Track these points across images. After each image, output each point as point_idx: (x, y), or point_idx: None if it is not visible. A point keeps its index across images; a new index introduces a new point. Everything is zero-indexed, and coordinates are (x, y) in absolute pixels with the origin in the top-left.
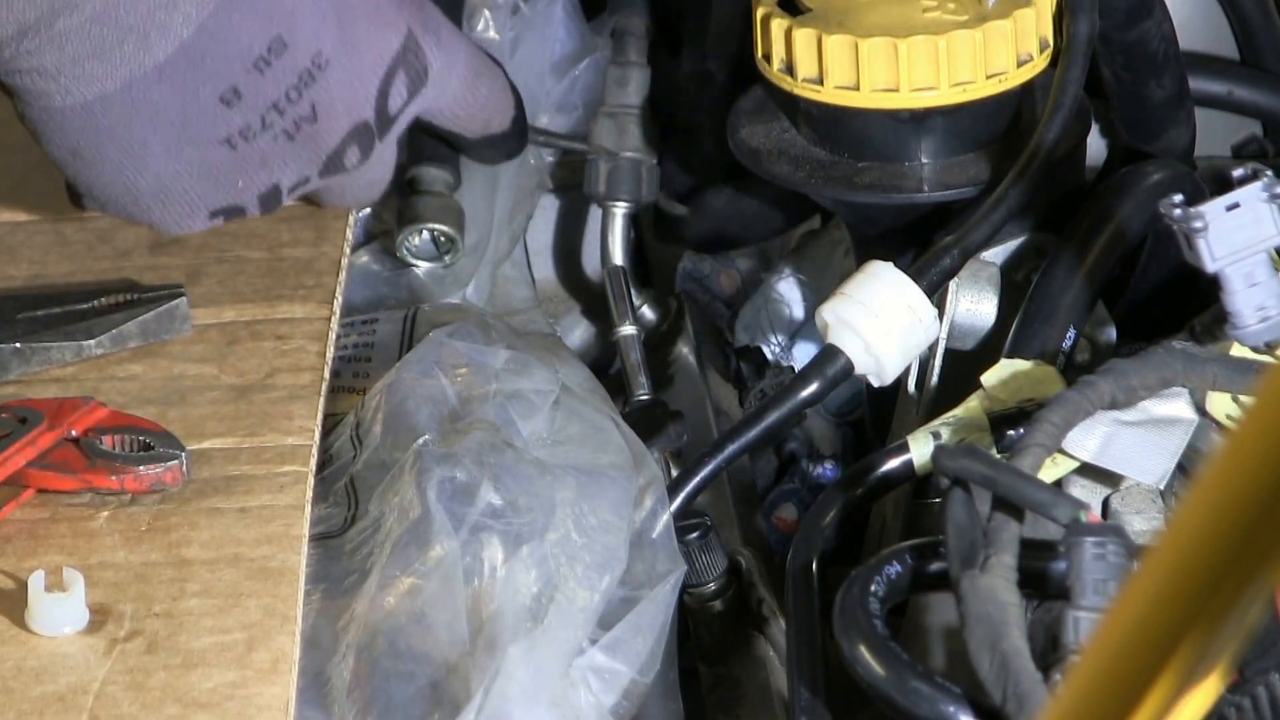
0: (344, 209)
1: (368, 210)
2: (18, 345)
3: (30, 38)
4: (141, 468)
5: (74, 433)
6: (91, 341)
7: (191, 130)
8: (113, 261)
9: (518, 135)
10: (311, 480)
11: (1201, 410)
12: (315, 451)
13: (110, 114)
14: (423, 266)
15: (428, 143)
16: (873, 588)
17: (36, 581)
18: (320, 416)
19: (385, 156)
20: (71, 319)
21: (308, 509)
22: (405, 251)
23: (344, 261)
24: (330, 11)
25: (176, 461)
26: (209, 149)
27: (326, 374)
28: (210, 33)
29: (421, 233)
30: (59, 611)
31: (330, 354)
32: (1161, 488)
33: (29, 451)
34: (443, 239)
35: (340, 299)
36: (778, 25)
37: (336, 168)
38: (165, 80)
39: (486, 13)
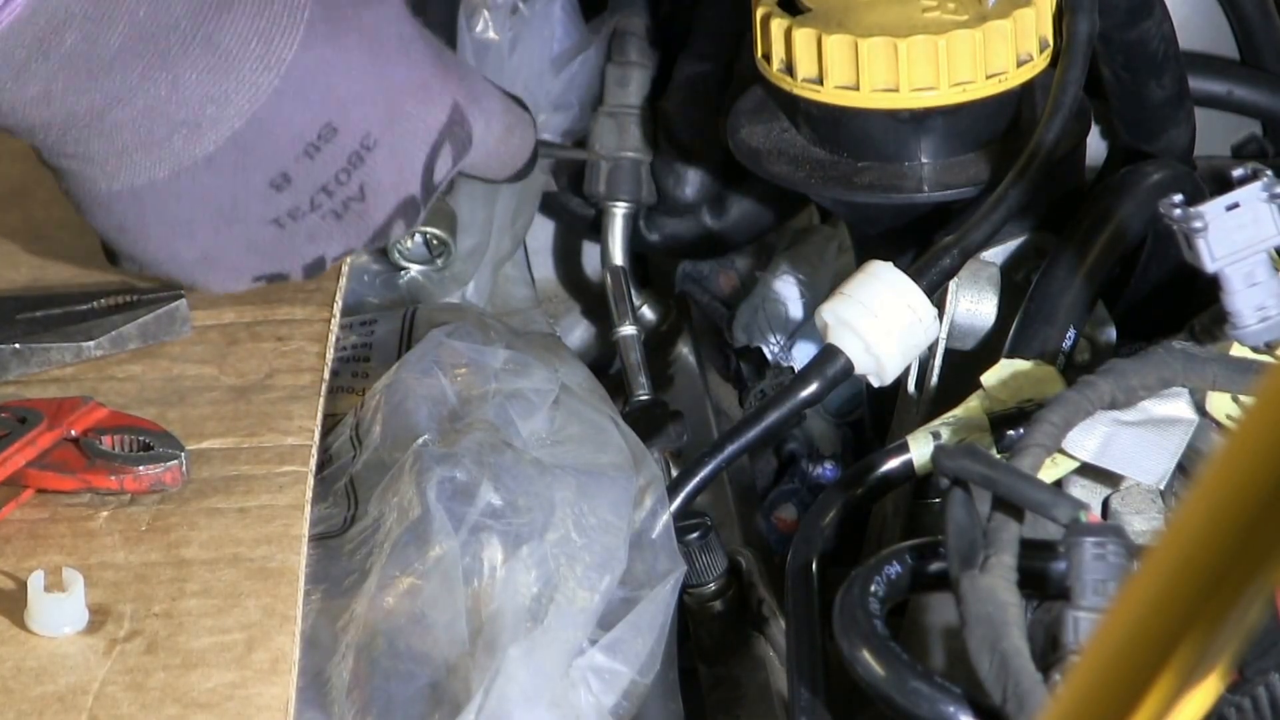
0: None
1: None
2: (17, 346)
3: (79, 127)
4: (141, 468)
5: (73, 433)
6: (91, 343)
7: (239, 212)
8: (111, 267)
9: (531, 163)
10: (311, 480)
11: (1201, 410)
12: (315, 452)
13: (157, 198)
14: (415, 269)
15: None
16: (872, 588)
17: (36, 582)
18: (320, 417)
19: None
20: (71, 320)
21: (307, 509)
22: (398, 254)
23: (345, 264)
24: (379, 94)
25: (176, 462)
26: (256, 228)
27: (326, 374)
28: (261, 122)
29: (414, 235)
30: (58, 611)
31: (330, 355)
32: (1161, 488)
33: (28, 451)
34: (435, 242)
35: (340, 301)
36: (778, 25)
37: (381, 240)
38: (214, 169)
39: (485, 13)
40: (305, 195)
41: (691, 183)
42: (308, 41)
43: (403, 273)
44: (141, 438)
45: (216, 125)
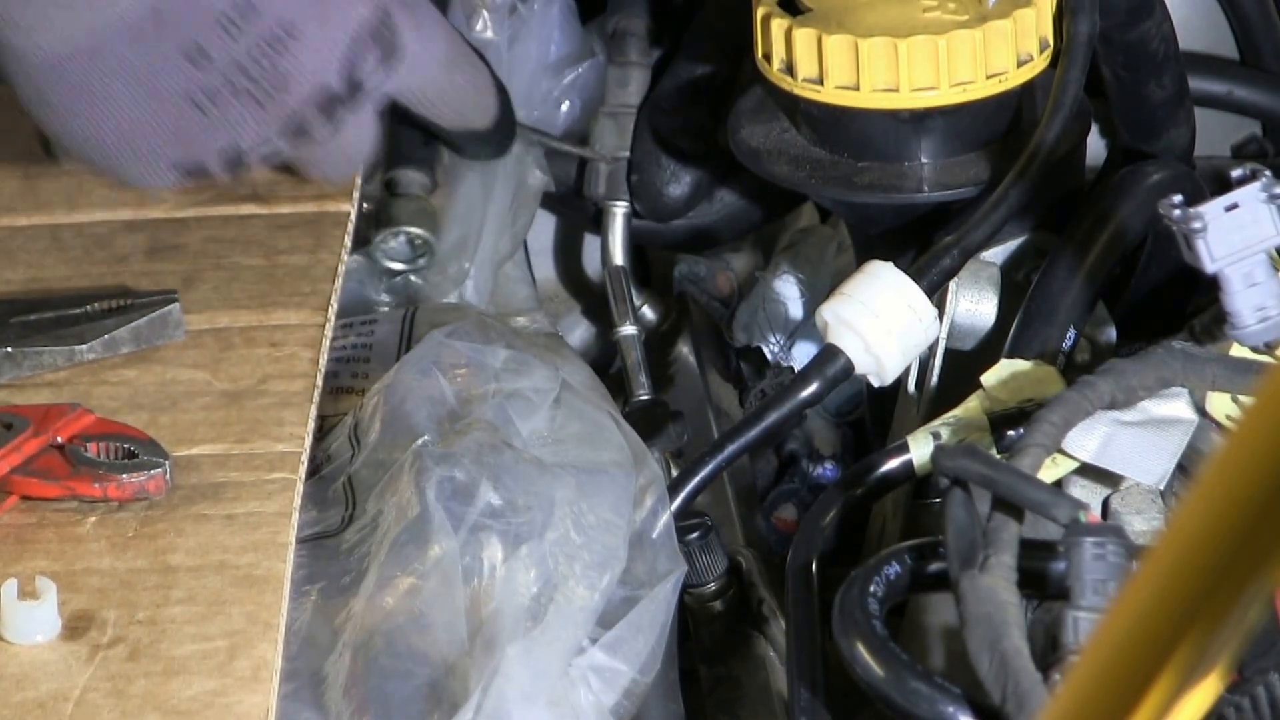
0: (342, 209)
1: (368, 210)
2: (9, 350)
3: None
4: (125, 475)
5: (59, 439)
6: (84, 346)
7: (158, 86)
8: (110, 266)
9: (502, 133)
10: (300, 487)
11: (1201, 410)
12: (305, 459)
13: (79, 68)
14: (396, 267)
15: (406, 145)
16: (872, 588)
17: (9, 590)
18: (311, 424)
19: (361, 129)
20: (64, 324)
21: (295, 516)
22: (380, 254)
23: (340, 269)
24: None
25: (160, 470)
26: (175, 106)
27: (319, 381)
28: None
29: (397, 236)
30: (30, 620)
31: (323, 361)
32: (1161, 488)
33: (13, 458)
34: (418, 242)
35: (335, 306)
36: (778, 25)
37: (303, 135)
38: (131, 34)
39: (484, 13)
40: (221, 72)
41: (682, 181)
42: None
43: (398, 276)
44: (126, 445)
45: None
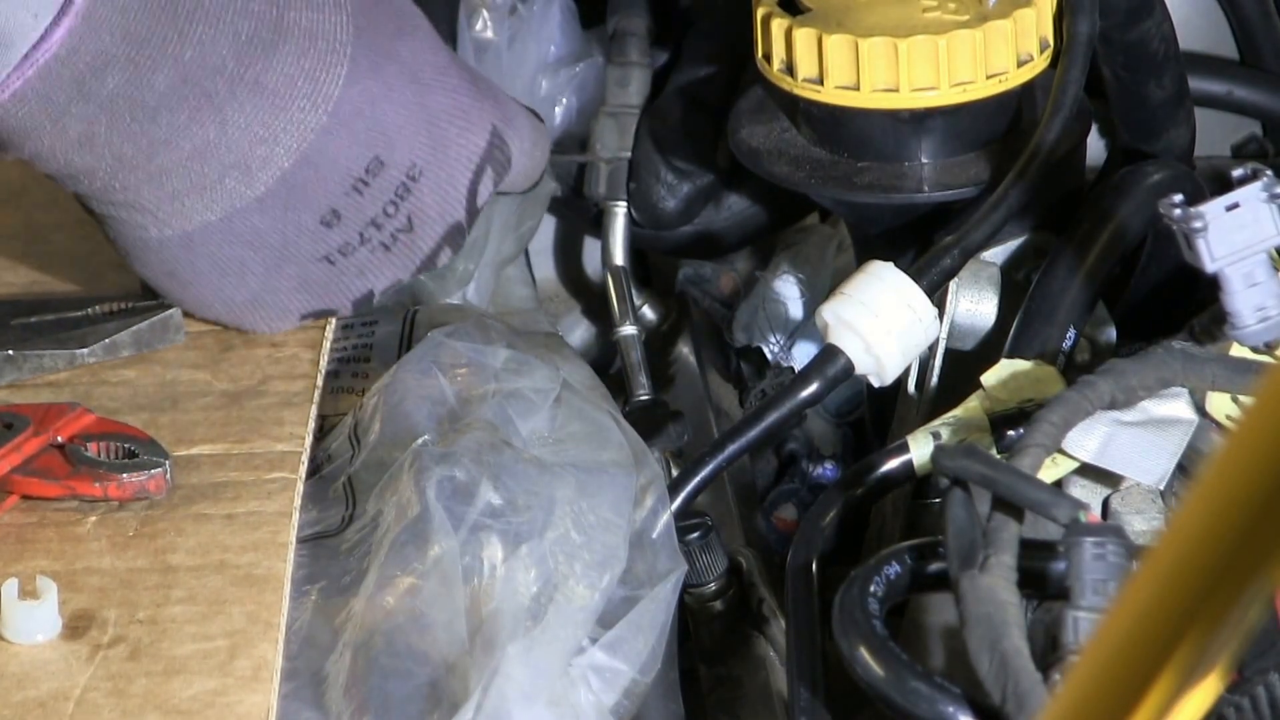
0: None
1: None
2: (10, 352)
3: (125, 172)
4: (125, 475)
5: (59, 439)
6: (84, 350)
7: (290, 251)
8: (110, 270)
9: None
10: (300, 487)
11: (1201, 410)
12: (305, 459)
13: (209, 241)
14: None
15: None
16: (872, 588)
17: (10, 589)
18: (311, 424)
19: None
20: (65, 327)
21: (295, 516)
22: None
23: None
24: (422, 123)
25: (160, 469)
26: (307, 266)
27: (319, 381)
28: (311, 160)
29: None
30: (30, 619)
31: (324, 362)
32: (1161, 488)
33: (13, 457)
34: None
35: None
36: (778, 25)
37: (429, 267)
38: (265, 209)
39: (484, 13)
40: (355, 230)
41: (678, 194)
42: (352, 77)
43: None
44: (127, 445)
45: (267, 165)
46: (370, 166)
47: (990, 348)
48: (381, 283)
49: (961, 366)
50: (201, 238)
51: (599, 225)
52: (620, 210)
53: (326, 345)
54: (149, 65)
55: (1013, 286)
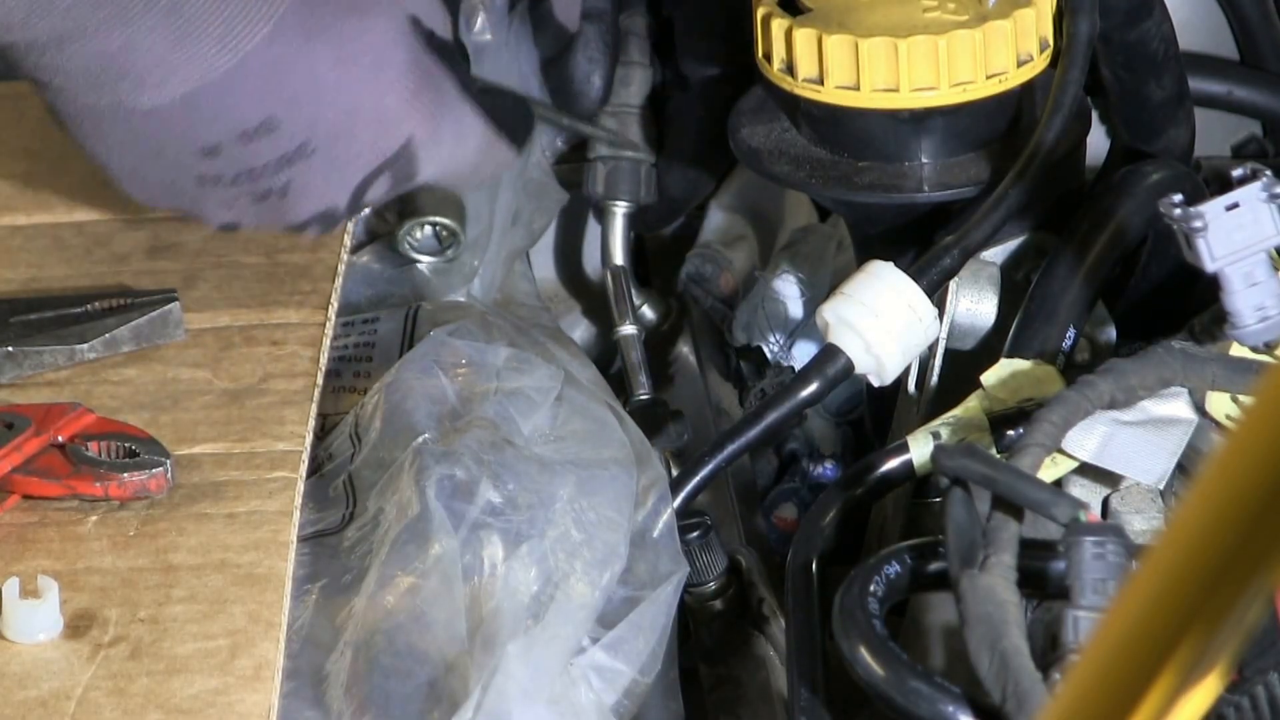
0: None
1: (369, 210)
2: (9, 349)
3: (35, 54)
4: (125, 474)
5: (60, 439)
6: (84, 346)
7: (168, 157)
8: (110, 265)
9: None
10: (301, 486)
11: (1201, 410)
12: (305, 458)
13: (95, 117)
14: (425, 261)
15: None
16: (872, 588)
17: (11, 589)
18: (312, 423)
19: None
20: (64, 323)
21: (296, 515)
22: (407, 245)
23: (340, 268)
24: (330, 107)
25: (161, 469)
26: (182, 174)
27: (320, 379)
28: (205, 98)
29: (423, 226)
30: (32, 619)
31: (324, 360)
32: (1161, 487)
33: (14, 457)
34: (444, 233)
35: (336, 305)
36: (778, 25)
37: (294, 233)
38: (151, 119)
39: (483, 13)
40: (230, 169)
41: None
42: (273, 36)
43: (407, 270)
44: (127, 444)
45: (160, 88)
46: (264, 123)
47: (990, 348)
48: (246, 222)
49: (961, 366)
50: (90, 113)
51: (599, 225)
52: (620, 210)
53: (326, 343)
54: None
55: (1013, 286)
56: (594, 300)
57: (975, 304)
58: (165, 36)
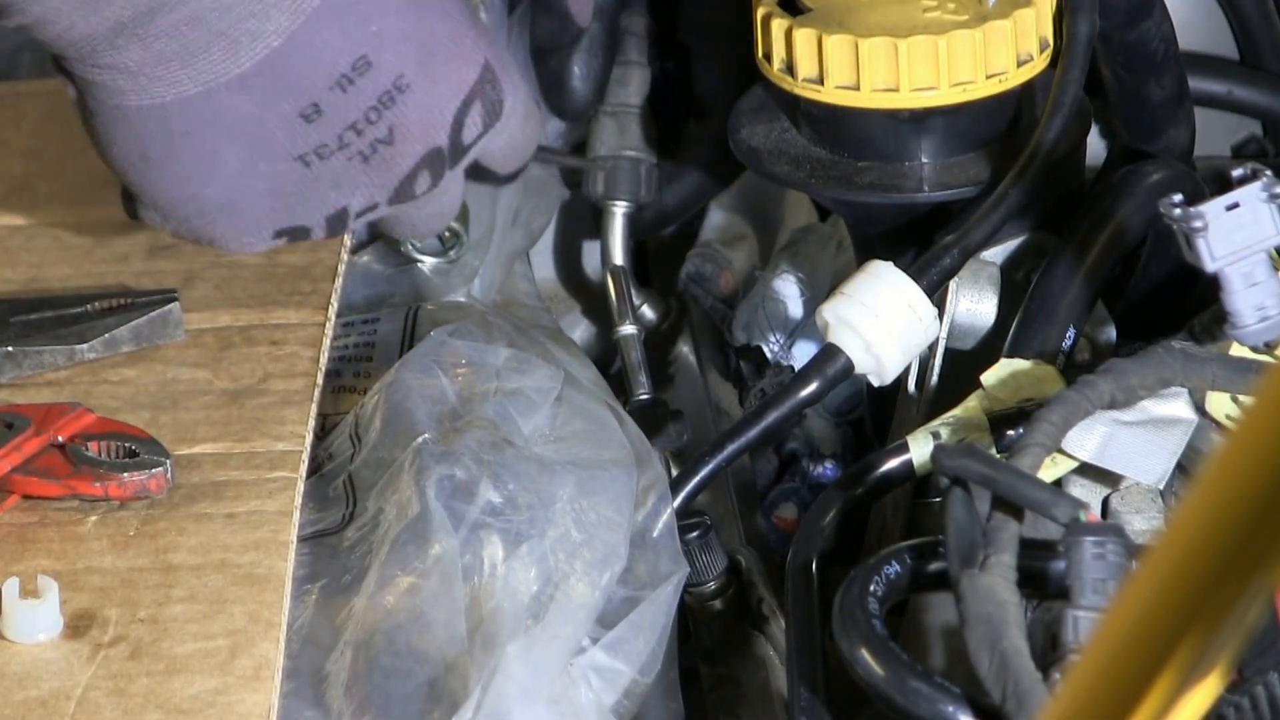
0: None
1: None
2: (9, 349)
3: (123, 35)
4: (125, 474)
5: (60, 439)
6: (84, 346)
7: (267, 144)
8: (110, 266)
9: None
10: (301, 486)
11: (1201, 410)
12: (305, 458)
13: (186, 119)
14: (428, 261)
15: None
16: (872, 588)
17: (11, 589)
18: (312, 423)
19: (453, 187)
20: (64, 323)
21: (296, 515)
22: (410, 245)
23: (340, 268)
24: (414, 36)
25: (161, 469)
26: (282, 165)
27: (320, 380)
28: (299, 44)
29: None
30: (32, 619)
31: (324, 360)
32: (1161, 487)
33: (14, 457)
34: (447, 233)
35: (335, 305)
36: (778, 25)
37: (406, 194)
38: (247, 90)
39: (482, 13)
40: (334, 131)
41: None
42: None
43: (408, 270)
44: (127, 444)
45: (254, 41)
46: (358, 64)
47: (990, 347)
48: (357, 200)
49: (961, 366)
50: (179, 112)
51: (599, 225)
52: (619, 210)
53: (326, 343)
54: None
55: (1013, 286)
56: (594, 300)
57: (975, 304)
58: None
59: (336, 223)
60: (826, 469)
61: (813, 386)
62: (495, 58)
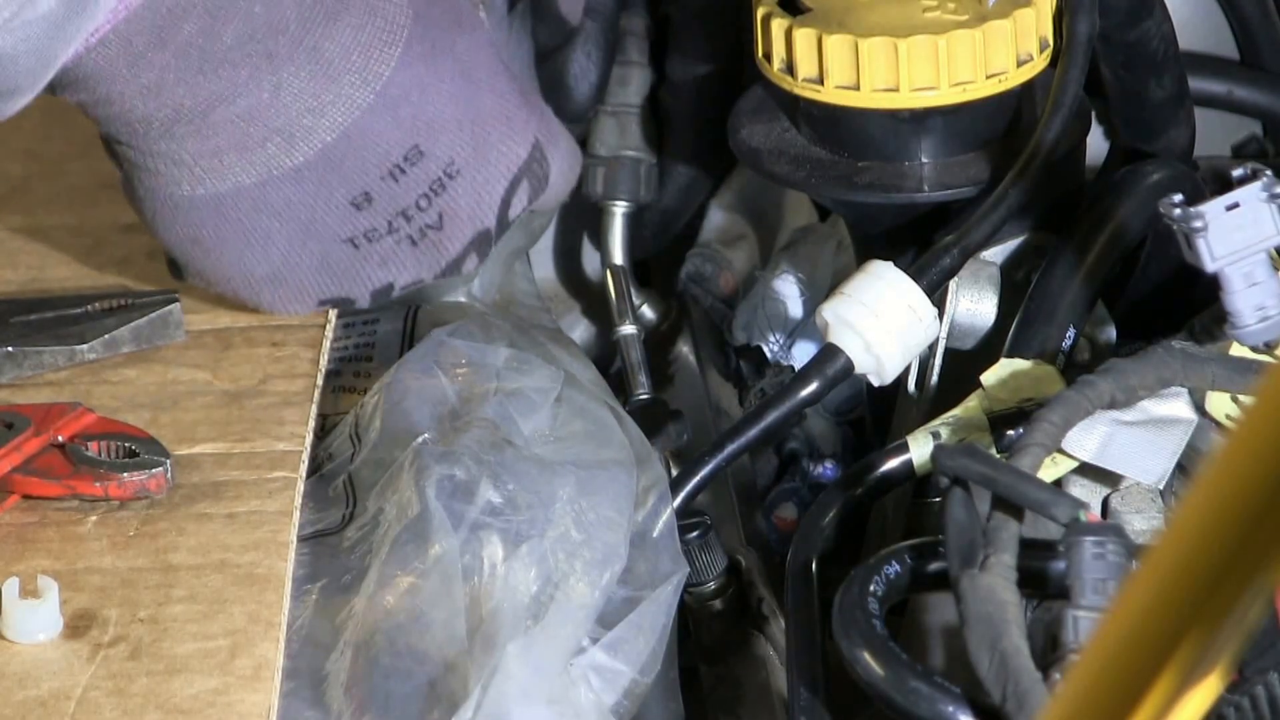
0: None
1: None
2: (10, 349)
3: (181, 123)
4: (125, 474)
5: (60, 438)
6: (84, 346)
7: (317, 228)
8: (111, 267)
9: None
10: (301, 486)
11: (1201, 410)
12: (305, 458)
13: (240, 207)
14: None
15: None
16: (872, 587)
17: (11, 589)
18: (312, 423)
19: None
20: (64, 323)
21: (296, 515)
22: None
23: None
24: (467, 121)
25: (161, 469)
26: (331, 245)
27: (320, 380)
28: (352, 138)
29: None
30: (32, 619)
31: (324, 361)
32: (1161, 487)
33: (14, 457)
34: None
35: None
36: (778, 25)
37: (453, 272)
38: (300, 181)
39: (482, 13)
40: (384, 217)
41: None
42: (405, 60)
43: None
44: (127, 444)
45: (310, 136)
46: (409, 154)
47: (990, 347)
48: (403, 277)
49: (961, 366)
50: (233, 201)
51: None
52: (619, 210)
53: (327, 344)
54: (222, 16)
55: (1013, 286)
56: (594, 300)
57: (975, 304)
58: (312, 76)
59: (381, 295)
60: (826, 469)
61: (813, 386)
62: (543, 129)
